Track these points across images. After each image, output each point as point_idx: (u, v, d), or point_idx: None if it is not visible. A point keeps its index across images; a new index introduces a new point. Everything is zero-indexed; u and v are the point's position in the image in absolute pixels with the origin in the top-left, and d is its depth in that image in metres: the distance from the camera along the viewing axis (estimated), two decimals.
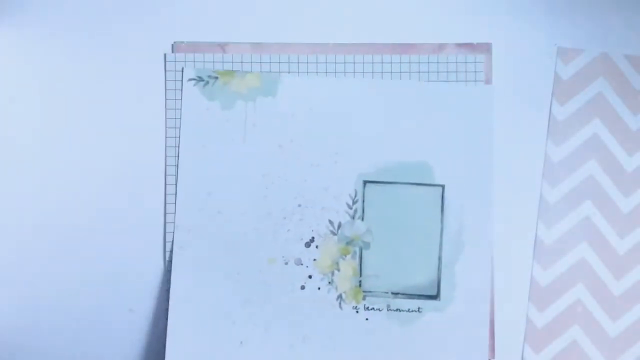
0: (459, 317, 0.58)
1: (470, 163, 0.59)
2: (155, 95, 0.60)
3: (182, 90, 0.59)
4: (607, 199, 0.60)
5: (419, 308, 0.58)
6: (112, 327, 0.59)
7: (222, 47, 0.60)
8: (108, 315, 0.59)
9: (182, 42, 0.60)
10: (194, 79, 0.59)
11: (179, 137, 0.59)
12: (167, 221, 0.59)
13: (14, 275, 0.58)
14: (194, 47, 0.60)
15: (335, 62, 0.60)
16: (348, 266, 0.59)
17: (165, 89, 0.60)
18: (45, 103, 0.59)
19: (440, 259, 0.59)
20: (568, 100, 0.60)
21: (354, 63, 0.60)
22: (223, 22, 0.60)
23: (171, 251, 0.59)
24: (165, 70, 0.60)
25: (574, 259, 0.59)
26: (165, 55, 0.60)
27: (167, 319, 0.58)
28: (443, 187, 0.59)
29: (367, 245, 0.59)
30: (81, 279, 0.58)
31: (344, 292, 0.59)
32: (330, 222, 0.59)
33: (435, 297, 0.58)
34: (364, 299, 0.59)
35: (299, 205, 0.59)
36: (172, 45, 0.60)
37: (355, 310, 0.59)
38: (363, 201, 0.59)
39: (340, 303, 0.59)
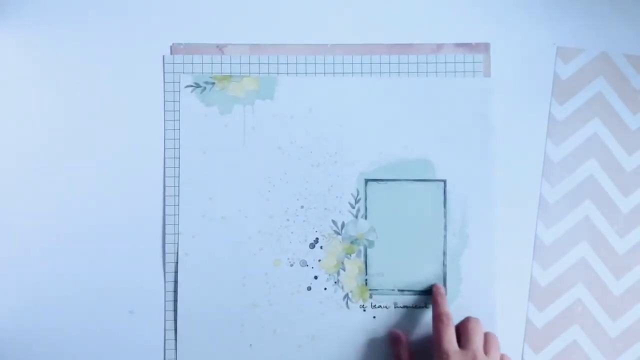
0: (465, 310, 0.58)
1: (471, 156, 0.59)
2: (153, 98, 0.59)
3: (179, 97, 0.59)
4: (607, 198, 0.60)
5: (425, 304, 0.59)
6: (113, 329, 0.59)
7: (220, 48, 0.60)
8: (108, 316, 0.59)
9: (181, 44, 0.60)
10: (191, 86, 0.59)
11: (179, 139, 0.59)
12: (166, 223, 0.59)
13: (14, 277, 0.58)
14: (192, 49, 0.60)
15: (334, 63, 0.60)
16: (353, 265, 0.59)
17: (164, 91, 0.59)
18: (42, 106, 0.59)
19: (445, 253, 0.59)
20: (567, 99, 0.60)
21: (352, 64, 0.60)
22: (221, 24, 0.60)
23: (173, 254, 0.59)
24: (164, 72, 0.59)
25: (574, 258, 0.59)
26: (163, 57, 0.60)
27: (166, 320, 0.58)
28: (445, 181, 0.59)
29: (371, 243, 0.59)
30: (82, 281, 0.58)
31: (351, 291, 0.59)
32: (334, 222, 0.59)
33: None
34: (370, 297, 0.59)
35: (302, 207, 0.59)
36: (171, 47, 0.60)
37: (362, 309, 0.59)
38: (365, 200, 0.59)
39: (347, 302, 0.59)
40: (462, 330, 0.54)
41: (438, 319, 0.54)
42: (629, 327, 0.59)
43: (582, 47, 0.60)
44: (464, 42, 0.60)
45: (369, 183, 0.59)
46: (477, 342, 0.53)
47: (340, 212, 0.59)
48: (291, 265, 0.59)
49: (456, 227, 0.59)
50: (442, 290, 0.57)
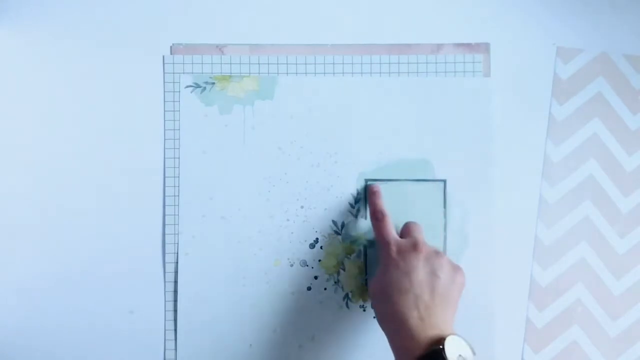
0: (465, 310, 0.58)
1: (471, 156, 0.59)
2: (153, 98, 0.59)
3: (179, 97, 0.59)
4: (607, 198, 0.60)
5: None
6: (113, 329, 0.59)
7: (220, 49, 0.60)
8: (108, 316, 0.59)
9: (181, 44, 0.60)
10: (191, 86, 0.59)
11: (179, 139, 0.59)
12: (166, 223, 0.59)
13: (14, 276, 0.58)
14: (192, 49, 0.60)
15: (334, 63, 0.60)
16: (353, 265, 0.59)
17: (164, 91, 0.59)
18: (42, 106, 0.59)
19: (445, 253, 0.58)
20: (567, 99, 0.60)
21: (352, 64, 0.60)
22: (221, 24, 0.60)
23: (173, 254, 0.59)
24: (164, 72, 0.59)
25: (574, 258, 0.59)
26: (163, 57, 0.60)
27: (166, 320, 0.58)
28: (445, 182, 0.59)
29: (371, 243, 0.59)
30: (82, 281, 0.58)
31: (351, 291, 0.59)
32: (334, 222, 0.59)
33: None
34: None
35: (302, 207, 0.59)
36: (171, 47, 0.60)
37: (362, 309, 0.59)
38: (365, 200, 0.59)
39: (347, 302, 0.59)
40: (404, 232, 0.56)
41: (373, 216, 0.56)
42: (629, 327, 0.59)
43: (582, 47, 0.60)
44: (464, 42, 0.60)
45: (369, 183, 0.59)
46: (418, 234, 0.55)
47: (340, 212, 0.59)
48: (291, 265, 0.59)
49: (456, 228, 0.59)
50: (377, 189, 0.58)
